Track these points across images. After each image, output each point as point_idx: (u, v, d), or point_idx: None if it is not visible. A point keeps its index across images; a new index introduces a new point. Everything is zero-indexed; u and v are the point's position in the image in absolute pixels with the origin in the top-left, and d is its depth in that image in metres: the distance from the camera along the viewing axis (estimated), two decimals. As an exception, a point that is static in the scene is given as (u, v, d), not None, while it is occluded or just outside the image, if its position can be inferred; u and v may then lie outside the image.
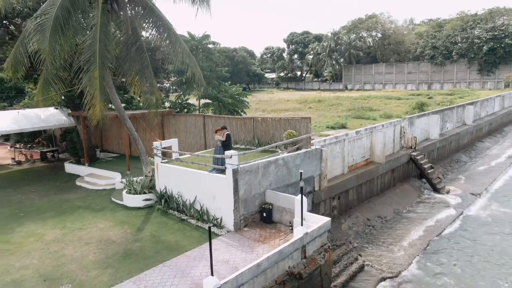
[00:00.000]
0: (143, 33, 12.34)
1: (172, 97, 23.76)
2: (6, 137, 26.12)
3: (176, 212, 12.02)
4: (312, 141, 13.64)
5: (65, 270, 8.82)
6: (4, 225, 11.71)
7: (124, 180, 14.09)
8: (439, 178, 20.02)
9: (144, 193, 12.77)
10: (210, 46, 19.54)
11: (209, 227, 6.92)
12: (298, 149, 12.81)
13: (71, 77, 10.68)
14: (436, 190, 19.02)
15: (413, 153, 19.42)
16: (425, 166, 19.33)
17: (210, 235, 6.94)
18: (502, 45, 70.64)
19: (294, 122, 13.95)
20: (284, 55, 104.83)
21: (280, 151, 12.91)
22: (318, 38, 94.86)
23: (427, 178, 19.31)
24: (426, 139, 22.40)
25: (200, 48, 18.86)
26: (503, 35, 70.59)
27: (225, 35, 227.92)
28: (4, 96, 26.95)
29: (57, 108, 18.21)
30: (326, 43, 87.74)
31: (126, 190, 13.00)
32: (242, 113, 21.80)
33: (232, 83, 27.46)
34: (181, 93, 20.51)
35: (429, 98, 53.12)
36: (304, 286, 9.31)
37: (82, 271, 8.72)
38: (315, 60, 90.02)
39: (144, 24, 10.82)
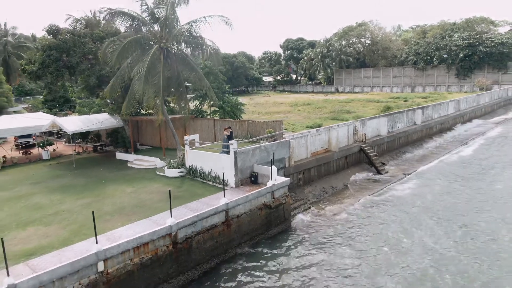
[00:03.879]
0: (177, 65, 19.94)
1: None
2: (58, 135, 33.80)
3: (199, 179, 19.71)
4: (284, 135, 21.36)
5: (144, 203, 16.51)
6: (96, 186, 19.41)
7: (164, 161, 21.80)
8: (382, 163, 27.73)
9: (179, 168, 20.46)
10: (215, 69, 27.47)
11: (223, 173, 14.61)
12: (274, 140, 20.52)
13: (141, 100, 18.32)
14: (378, 171, 26.69)
15: (363, 145, 27.11)
16: (371, 155, 27.03)
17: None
18: (476, 52, 77.78)
19: (272, 123, 21.62)
20: (281, 59, 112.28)
21: (263, 142, 20.60)
22: (312, 44, 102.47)
23: (372, 163, 27.02)
24: (377, 135, 30.06)
25: (210, 73, 26.58)
26: (477, 43, 77.77)
27: (226, 38, 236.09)
28: (55, 103, 34.68)
29: (111, 114, 25.87)
30: (319, 49, 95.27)
31: (167, 166, 20.71)
32: (239, 117, 29.55)
33: (232, 87, 34.73)
34: (198, 103, 28.37)
35: (405, 101, 60.64)
36: (273, 213, 17.04)
37: (154, 203, 16.39)
38: (308, 65, 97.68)
39: (183, 69, 18.51)
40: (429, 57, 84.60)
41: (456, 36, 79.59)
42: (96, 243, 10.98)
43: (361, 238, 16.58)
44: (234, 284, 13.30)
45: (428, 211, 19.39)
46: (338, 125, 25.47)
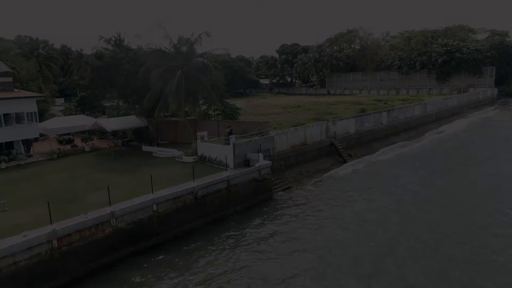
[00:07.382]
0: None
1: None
2: (92, 133, 41.47)
3: (208, 163, 27.39)
4: (270, 132, 29.11)
5: (172, 178, 24.15)
6: (136, 170, 27.02)
7: (182, 151, 29.59)
8: (348, 154, 35.52)
9: (193, 156, 28.18)
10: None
11: (225, 157, 22.38)
12: (262, 136, 28.28)
13: (169, 107, 26.06)
14: (344, 160, 34.46)
15: (334, 140, 34.88)
16: (339, 147, 34.80)
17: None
18: (454, 58, 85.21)
19: (261, 124, 29.34)
20: (277, 63, 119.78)
21: (254, 137, 28.35)
22: (305, 49, 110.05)
23: (340, 154, 34.78)
24: (347, 133, 37.82)
25: (215, 85, 34.37)
26: (454, 50, 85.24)
27: (226, 41, 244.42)
28: (86, 107, 42.50)
29: (138, 116, 33.60)
30: (312, 54, 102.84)
31: (184, 154, 28.46)
32: (237, 119, 37.39)
33: (231, 89, 41.20)
34: (206, 108, 36.35)
35: (384, 103, 68.07)
36: (260, 185, 24.80)
37: (178, 178, 24.00)
38: (302, 69, 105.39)
39: (197, 86, 26.47)
40: (412, 62, 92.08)
41: (436, 43, 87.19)
42: (152, 193, 18.74)
43: (322, 200, 24.37)
44: (232, 226, 21.07)
45: (371, 184, 27.25)
46: (312, 125, 33.26)
